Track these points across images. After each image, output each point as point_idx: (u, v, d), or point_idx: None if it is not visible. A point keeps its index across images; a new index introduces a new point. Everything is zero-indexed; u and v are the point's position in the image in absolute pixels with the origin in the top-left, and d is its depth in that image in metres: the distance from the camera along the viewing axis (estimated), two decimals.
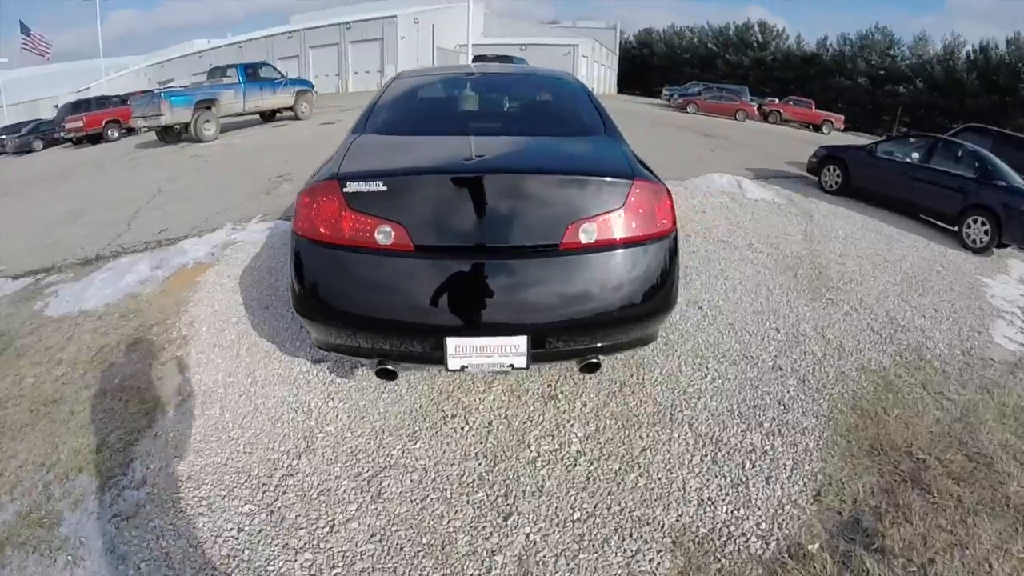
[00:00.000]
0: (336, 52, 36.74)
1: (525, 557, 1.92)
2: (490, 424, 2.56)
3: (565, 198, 2.02)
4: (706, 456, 2.43)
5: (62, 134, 18.59)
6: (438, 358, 1.97)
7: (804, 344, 3.45)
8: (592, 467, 2.32)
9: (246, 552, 1.96)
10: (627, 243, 2.04)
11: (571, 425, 2.56)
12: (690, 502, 2.19)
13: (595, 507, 2.14)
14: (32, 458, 2.59)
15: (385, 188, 1.94)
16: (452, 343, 1.94)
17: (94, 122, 17.52)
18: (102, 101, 18.91)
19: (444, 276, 1.92)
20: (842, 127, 24.08)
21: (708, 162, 9.26)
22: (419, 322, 1.96)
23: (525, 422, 2.56)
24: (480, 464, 2.32)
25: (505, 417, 2.60)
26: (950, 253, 6.06)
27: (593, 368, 2.19)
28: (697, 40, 56.08)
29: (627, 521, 2.08)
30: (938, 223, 7.04)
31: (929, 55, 42.71)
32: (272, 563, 1.92)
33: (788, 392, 2.94)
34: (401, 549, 1.95)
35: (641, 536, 2.02)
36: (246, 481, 2.28)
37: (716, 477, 2.32)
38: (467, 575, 1.86)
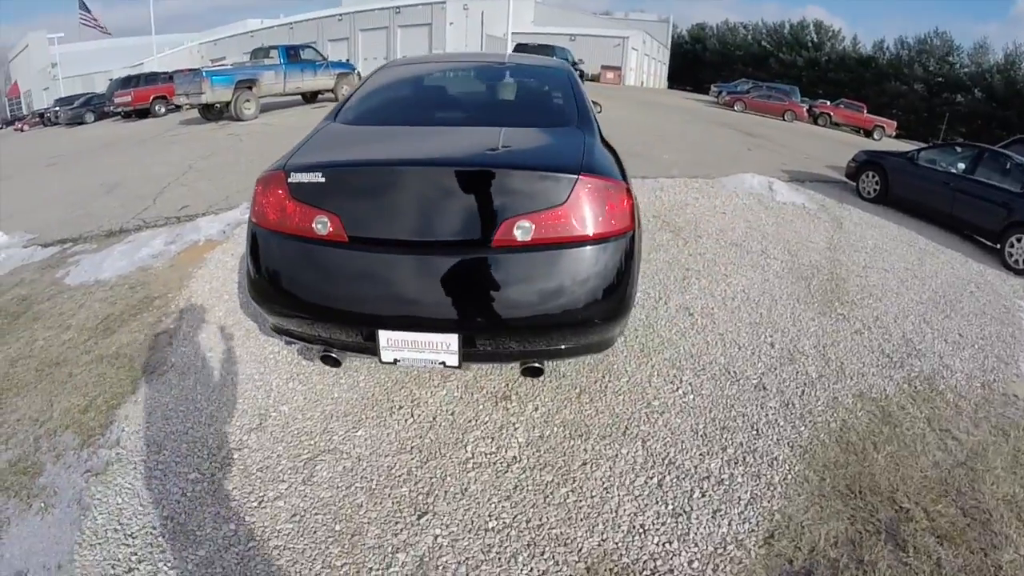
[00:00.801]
0: (385, 36, 37.19)
1: (427, 559, 1.86)
2: (434, 419, 2.51)
3: (503, 193, 1.92)
4: (652, 478, 2.25)
5: (112, 108, 19.42)
6: (372, 349, 1.98)
7: (799, 363, 3.19)
8: (523, 476, 2.22)
9: (183, 516, 2.07)
10: (570, 243, 1.91)
11: (515, 429, 2.47)
12: (619, 527, 2.02)
13: (514, 518, 2.04)
14: (30, 413, 2.80)
15: (323, 179, 1.97)
16: (384, 336, 1.93)
17: (142, 97, 18.26)
18: (151, 77, 19.64)
19: (376, 268, 1.92)
20: (894, 133, 22.96)
21: (743, 161, 8.98)
22: (352, 312, 1.98)
23: (470, 420, 2.50)
24: (413, 459, 2.29)
25: (451, 414, 2.55)
26: (989, 273, 5.62)
27: (535, 373, 2.11)
28: (751, 37, 54.88)
29: (543, 538, 1.97)
30: (980, 239, 6.62)
31: (989, 64, 40.52)
32: (201, 529, 2.01)
33: (766, 416, 2.70)
34: (314, 533, 1.98)
35: (554, 556, 1.90)
36: (199, 450, 2.39)
37: (656, 503, 2.14)
38: (368, 568, 1.85)
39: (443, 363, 1.95)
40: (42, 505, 2.19)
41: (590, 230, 1.93)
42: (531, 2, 42.12)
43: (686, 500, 2.17)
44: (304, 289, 2.01)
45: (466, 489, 2.13)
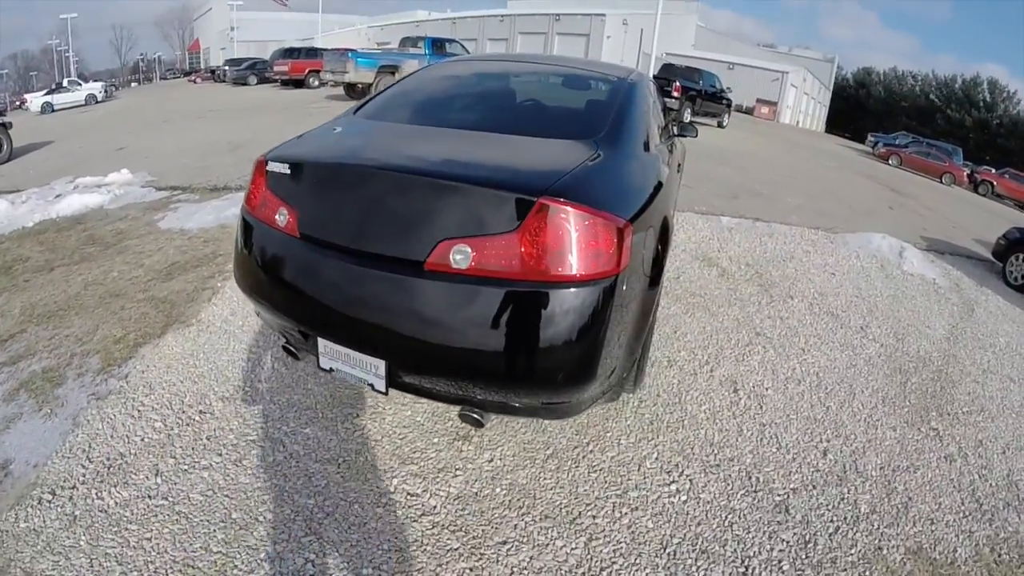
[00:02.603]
0: (543, 41, 37.83)
1: None
2: (381, 439, 2.32)
3: (448, 209, 1.67)
4: None
5: (271, 75, 21.52)
6: (314, 352, 1.91)
7: (849, 487, 2.40)
8: (429, 531, 1.93)
9: (132, 457, 2.20)
10: (517, 281, 1.59)
11: (454, 476, 2.16)
12: None
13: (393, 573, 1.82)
14: (78, 332, 3.16)
15: (289, 172, 1.94)
16: (322, 343, 1.85)
17: (298, 69, 20.08)
18: (311, 52, 21.58)
19: (319, 270, 1.81)
20: None
21: (878, 219, 7.91)
22: (296, 311, 1.92)
23: (415, 452, 2.27)
24: (337, 472, 2.14)
25: (401, 438, 2.33)
26: None
27: (473, 422, 1.82)
28: (919, 89, 49.75)
29: None
30: None
31: None
32: (139, 473, 2.12)
33: (769, 551, 2.01)
34: (214, 512, 1.96)
35: None
36: (175, 404, 2.51)
37: None
38: (235, 564, 1.78)
39: (371, 385, 1.82)
40: (49, 411, 2.49)
41: (548, 269, 1.59)
42: (693, 26, 40.94)
43: None
44: (264, 277, 2.00)
45: (365, 524, 1.96)
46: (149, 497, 2.01)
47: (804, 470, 2.45)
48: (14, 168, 9.20)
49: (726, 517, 2.13)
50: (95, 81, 30.94)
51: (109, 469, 2.14)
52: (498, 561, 1.85)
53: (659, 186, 2.30)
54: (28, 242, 4.78)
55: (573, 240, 1.60)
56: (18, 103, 31.37)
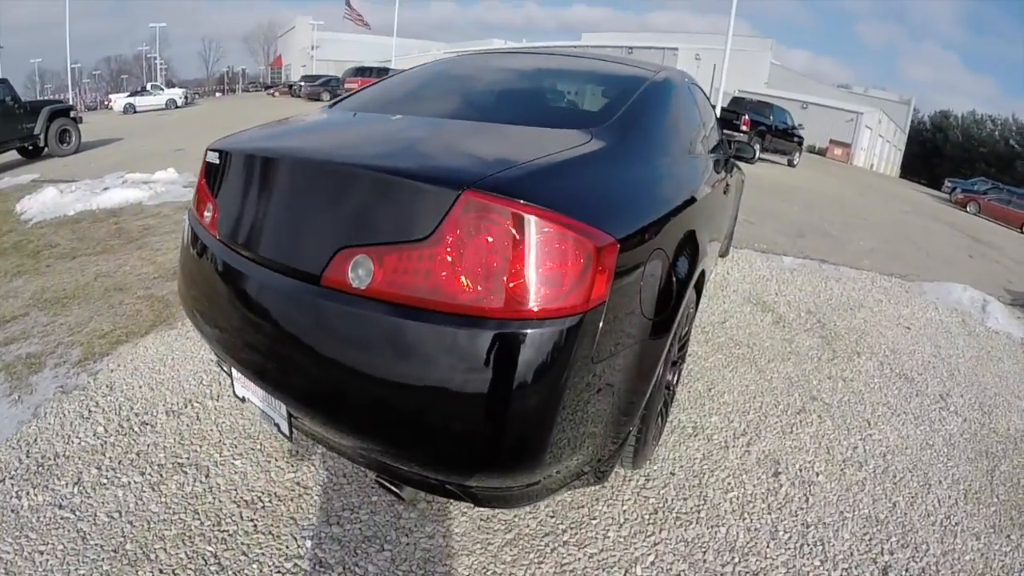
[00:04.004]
0: None
1: None
2: (311, 487, 1.92)
3: (351, 207, 1.27)
4: None
5: (342, 92, 22.38)
6: (230, 376, 1.59)
7: None
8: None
9: (63, 459, 2.04)
10: (426, 311, 1.13)
11: (376, 552, 1.68)
12: None
13: None
14: (72, 322, 3.06)
15: (219, 162, 1.64)
16: (235, 368, 1.49)
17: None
18: (381, 71, 22.36)
19: (229, 281, 1.46)
20: None
21: (957, 268, 7.08)
22: (207, 326, 1.58)
23: (344, 510, 1.83)
24: (250, 519, 1.79)
25: (335, 490, 1.91)
26: None
27: (393, 494, 1.37)
28: (998, 134, 47.04)
29: None
30: None
31: None
32: (62, 479, 1.95)
33: None
34: (110, 539, 1.71)
35: None
36: (124, 410, 2.33)
37: None
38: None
39: (277, 426, 1.43)
40: (17, 397, 2.40)
41: (473, 297, 1.11)
42: (767, 63, 40.30)
43: None
44: (188, 283, 1.73)
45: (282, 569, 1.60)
46: (59, 507, 1.80)
47: None
48: (79, 160, 9.66)
49: None
50: (179, 88, 32.99)
51: (39, 468, 1.96)
52: None
53: (689, 202, 1.83)
54: (63, 230, 4.82)
55: (513, 255, 1.11)
56: (105, 103, 33.93)
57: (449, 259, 1.12)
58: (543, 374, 1.13)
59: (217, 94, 53.11)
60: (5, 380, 2.51)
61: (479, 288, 1.11)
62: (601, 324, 1.21)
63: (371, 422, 1.22)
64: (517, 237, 1.11)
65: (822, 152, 30.12)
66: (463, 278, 1.12)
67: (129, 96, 27.95)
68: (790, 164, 16.63)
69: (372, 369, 1.17)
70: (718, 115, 15.28)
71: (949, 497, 2.31)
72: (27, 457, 2.01)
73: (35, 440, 2.10)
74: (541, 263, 1.12)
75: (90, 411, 2.28)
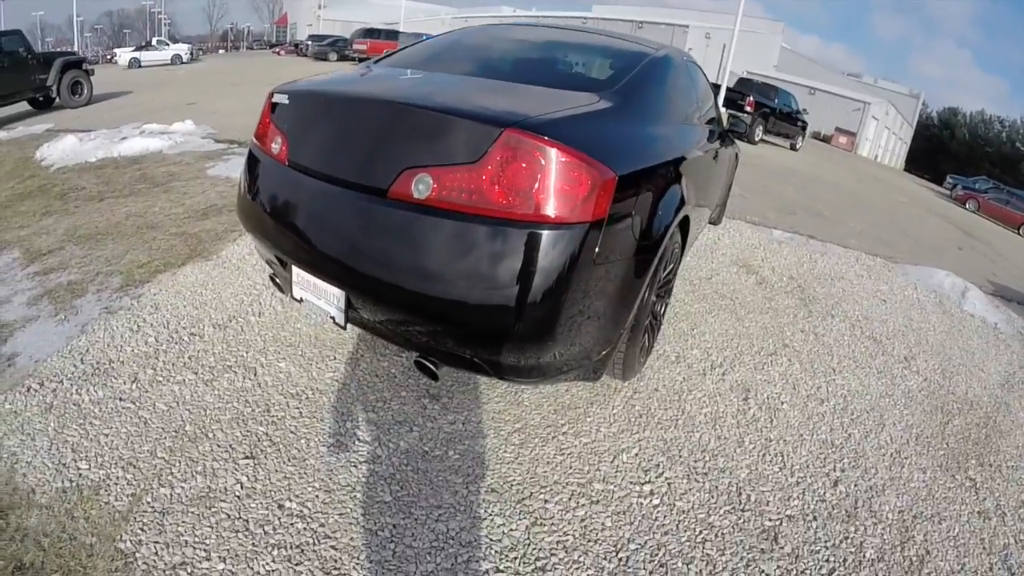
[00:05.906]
0: None
1: (210, 496, 1.75)
2: (348, 384, 2.26)
3: (415, 138, 1.62)
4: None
5: (350, 52, 22.21)
6: (289, 281, 1.90)
7: (856, 526, 2.02)
8: (365, 479, 1.83)
9: (118, 364, 2.29)
10: (476, 215, 1.50)
11: (407, 431, 2.04)
12: None
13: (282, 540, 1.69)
14: (109, 255, 3.30)
15: (287, 102, 1.97)
16: (296, 271, 1.84)
17: (376, 49, 20.67)
18: (390, 34, 22.16)
19: (299, 197, 1.81)
20: None
21: (945, 258, 7.34)
22: (277, 237, 1.90)
23: (377, 401, 2.18)
24: (296, 407, 2.11)
25: (370, 386, 2.26)
26: None
27: (428, 372, 1.72)
28: (1004, 135, 47.07)
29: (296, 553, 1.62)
30: None
31: None
32: (119, 378, 2.21)
33: None
34: (170, 423, 1.98)
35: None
36: (172, 324, 2.60)
37: None
38: (171, 471, 1.81)
39: (333, 318, 1.79)
40: (63, 317, 2.64)
41: (509, 206, 1.49)
42: (778, 47, 39.71)
43: None
44: (255, 203, 2.01)
45: (305, 460, 1.89)
46: (120, 399, 2.08)
47: (807, 497, 2.08)
48: (91, 111, 9.79)
49: (700, 532, 1.83)
50: (183, 43, 32.57)
51: (95, 371, 2.22)
52: (425, 524, 1.71)
53: (679, 159, 2.17)
54: (87, 175, 5.02)
55: (540, 177, 1.49)
56: (108, 57, 33.34)
57: (492, 177, 1.50)
58: (557, 265, 1.51)
59: (221, 51, 52.39)
60: (49, 303, 2.75)
61: (513, 199, 1.49)
62: (601, 235, 1.58)
63: (423, 304, 1.56)
64: (543, 164, 1.49)
65: (827, 139, 30.08)
66: (505, 192, 1.49)
67: (134, 51, 27.58)
68: (792, 147, 16.72)
69: (427, 260, 1.52)
70: (723, 94, 15.42)
71: (902, 437, 2.63)
72: (82, 363, 2.27)
73: (87, 351, 2.35)
74: (560, 184, 1.50)
75: (139, 326, 2.55)
